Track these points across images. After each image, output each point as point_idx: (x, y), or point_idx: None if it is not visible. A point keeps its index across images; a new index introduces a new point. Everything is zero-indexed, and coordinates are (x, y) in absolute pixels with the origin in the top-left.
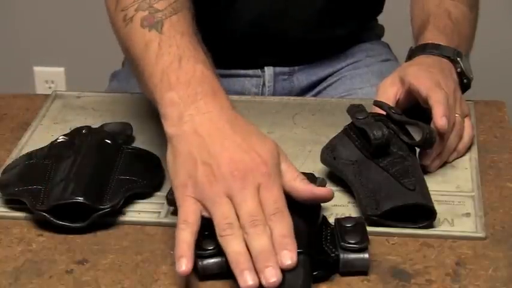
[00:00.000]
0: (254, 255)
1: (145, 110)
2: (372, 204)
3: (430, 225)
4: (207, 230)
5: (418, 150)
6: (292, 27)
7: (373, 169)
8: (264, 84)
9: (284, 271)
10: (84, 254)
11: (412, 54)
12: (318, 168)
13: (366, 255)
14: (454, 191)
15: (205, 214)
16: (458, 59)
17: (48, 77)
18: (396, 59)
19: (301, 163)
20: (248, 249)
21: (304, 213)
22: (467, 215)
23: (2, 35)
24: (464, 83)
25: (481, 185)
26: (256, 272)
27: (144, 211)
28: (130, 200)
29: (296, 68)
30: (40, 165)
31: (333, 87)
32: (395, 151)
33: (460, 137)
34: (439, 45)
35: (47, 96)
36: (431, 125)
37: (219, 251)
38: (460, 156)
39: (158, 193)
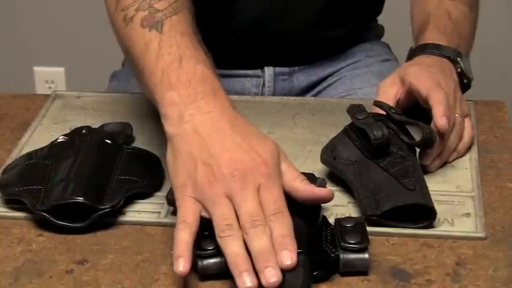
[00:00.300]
0: (254, 255)
1: (145, 110)
2: (372, 204)
3: (430, 225)
4: (206, 230)
5: (418, 150)
6: (292, 27)
7: (373, 169)
8: (264, 84)
9: (284, 271)
10: (84, 254)
11: (412, 54)
12: (318, 168)
13: (366, 255)
14: (454, 191)
15: (205, 214)
16: (458, 59)
17: (48, 77)
18: (396, 59)
19: (301, 163)
20: (247, 250)
21: (304, 213)
22: (467, 215)
23: (2, 35)
24: (464, 83)
25: (481, 185)
26: (255, 273)
27: (144, 211)
28: (130, 200)
29: (296, 68)
30: (40, 165)
31: (332, 87)
32: (395, 151)
33: (460, 137)
34: (439, 45)
35: (47, 96)
36: (432, 125)
37: (219, 251)
38: (460, 156)
39: (158, 193)
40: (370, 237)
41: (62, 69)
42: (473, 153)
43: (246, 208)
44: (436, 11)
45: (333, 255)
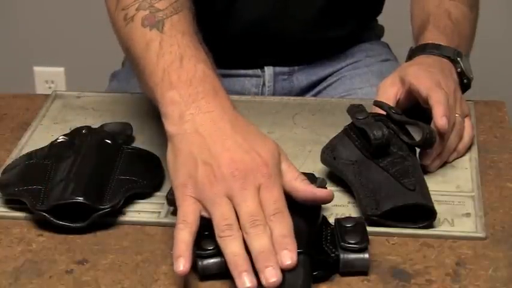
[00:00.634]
0: (254, 255)
1: (145, 110)
2: (372, 204)
3: (430, 225)
4: (206, 230)
5: (418, 150)
6: (292, 27)
7: (373, 169)
8: (264, 84)
9: (284, 271)
10: (84, 254)
11: (412, 54)
12: (318, 168)
13: (366, 255)
14: (454, 191)
15: (205, 214)
16: (458, 59)
17: (48, 77)
18: (396, 59)
19: (301, 163)
20: (247, 250)
21: (304, 213)
22: (467, 215)
23: (2, 35)
24: (464, 83)
25: (481, 185)
26: (255, 274)
27: (144, 211)
28: (130, 200)
29: (296, 68)
30: (40, 165)
31: (332, 87)
32: (395, 151)
33: (460, 137)
34: (439, 45)
35: (47, 96)
36: (432, 125)
37: (219, 251)
38: (460, 156)
39: (158, 193)
40: (370, 237)
41: (61, 69)
42: (473, 153)
43: (246, 208)
44: (436, 11)
45: (333, 255)
